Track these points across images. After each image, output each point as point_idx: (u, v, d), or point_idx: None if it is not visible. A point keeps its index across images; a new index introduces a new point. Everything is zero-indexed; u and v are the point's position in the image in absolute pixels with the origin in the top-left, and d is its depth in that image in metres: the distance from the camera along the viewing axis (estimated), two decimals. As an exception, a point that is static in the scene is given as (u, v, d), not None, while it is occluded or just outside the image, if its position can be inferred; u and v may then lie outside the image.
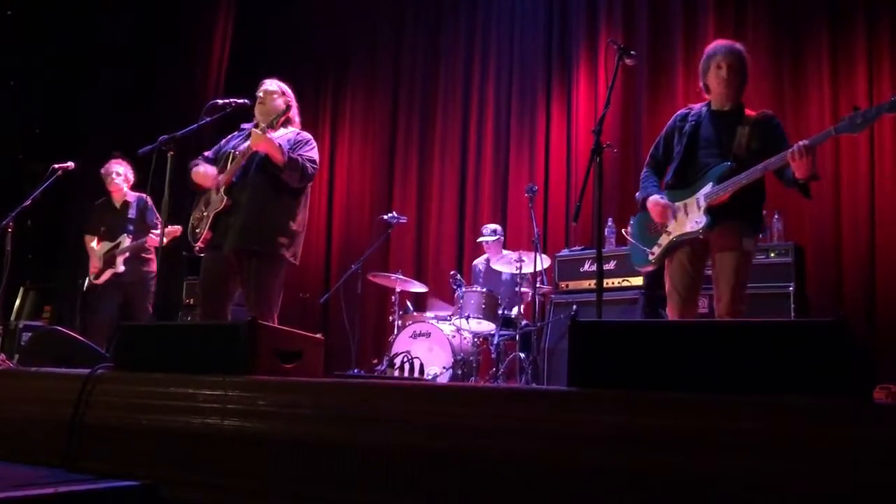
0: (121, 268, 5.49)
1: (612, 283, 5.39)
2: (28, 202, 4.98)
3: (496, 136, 7.44)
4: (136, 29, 7.94)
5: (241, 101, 3.96)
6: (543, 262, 5.70)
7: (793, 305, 4.80)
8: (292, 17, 8.65)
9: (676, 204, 3.44)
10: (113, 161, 5.72)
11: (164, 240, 5.30)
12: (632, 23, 6.72)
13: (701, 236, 3.34)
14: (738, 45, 3.48)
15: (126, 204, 5.67)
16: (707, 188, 3.33)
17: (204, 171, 3.92)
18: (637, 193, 3.67)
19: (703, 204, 3.33)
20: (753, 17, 6.21)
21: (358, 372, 6.10)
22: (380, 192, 8.02)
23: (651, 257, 3.55)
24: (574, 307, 5.59)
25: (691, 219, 3.38)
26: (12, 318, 7.43)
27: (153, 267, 5.60)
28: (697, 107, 3.59)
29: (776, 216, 5.34)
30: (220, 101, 3.97)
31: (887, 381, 4.47)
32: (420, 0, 8.14)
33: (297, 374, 2.47)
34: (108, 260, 5.54)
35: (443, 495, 1.79)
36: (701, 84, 3.54)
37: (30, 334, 6.21)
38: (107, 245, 5.60)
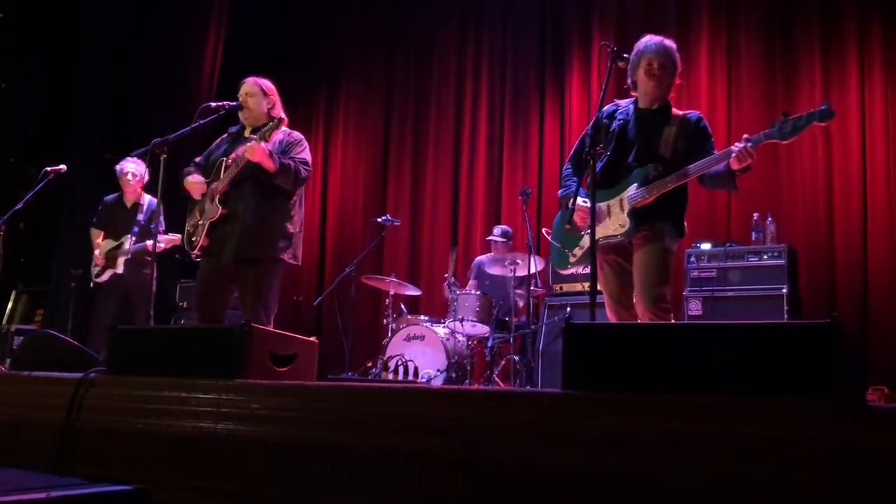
0: (120, 269, 5.48)
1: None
2: (20, 205, 4.95)
3: (490, 139, 7.44)
4: (128, 32, 7.91)
5: (233, 103, 3.96)
6: (538, 264, 5.70)
7: (786, 307, 4.82)
8: (285, 21, 8.64)
9: (600, 205, 3.32)
10: (127, 160, 5.67)
11: (163, 246, 5.31)
12: (625, 26, 6.74)
13: (624, 240, 3.27)
14: (669, 42, 3.39)
15: (137, 206, 5.65)
16: (631, 190, 3.25)
17: (193, 181, 3.90)
18: (559, 191, 3.55)
19: (626, 206, 3.24)
20: (746, 20, 6.23)
21: (352, 375, 6.09)
22: (373, 194, 8.01)
23: (572, 259, 3.45)
24: (568, 309, 5.60)
25: (615, 221, 3.28)
26: (4, 321, 7.40)
27: (154, 271, 5.59)
28: (624, 104, 3.49)
29: (769, 218, 5.36)
30: (213, 104, 3.96)
31: (880, 383, 4.51)
32: (413, 4, 8.13)
33: (291, 377, 2.47)
34: (110, 259, 5.53)
35: (437, 498, 1.78)
36: (629, 81, 3.43)
37: (22, 338, 6.19)
38: (111, 243, 5.60)
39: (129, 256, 5.47)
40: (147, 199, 5.69)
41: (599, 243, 3.31)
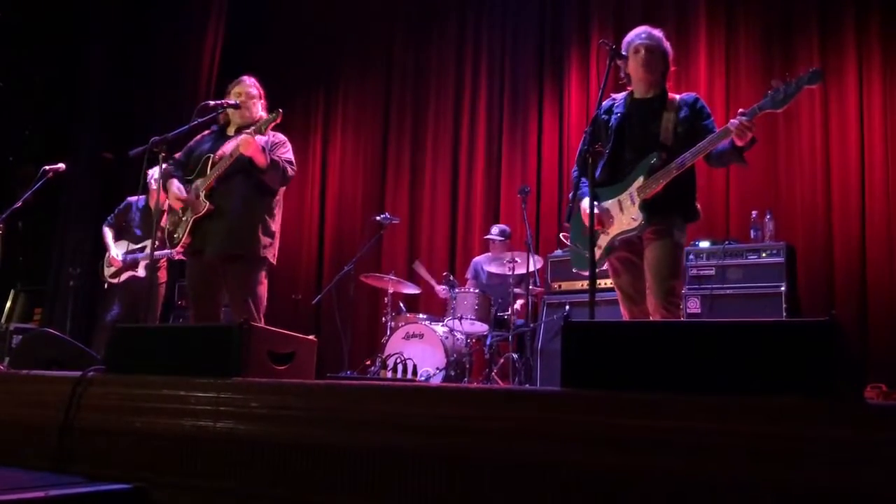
0: (142, 273, 5.48)
1: (605, 283, 5.39)
2: (19, 204, 4.95)
3: (488, 137, 7.43)
4: (126, 30, 7.91)
5: (232, 102, 3.96)
6: (536, 262, 5.70)
7: (784, 305, 4.81)
8: (284, 19, 8.64)
9: (610, 202, 3.33)
10: (157, 168, 5.66)
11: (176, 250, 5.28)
12: (623, 24, 6.72)
13: (638, 234, 3.25)
14: (656, 31, 3.40)
15: (161, 213, 5.63)
16: (639, 182, 3.24)
17: (177, 193, 3.86)
18: (570, 194, 3.56)
19: (636, 199, 3.23)
20: (745, 16, 6.23)
21: (350, 373, 6.09)
22: (372, 192, 8.00)
23: None
24: (567, 308, 5.60)
25: (627, 216, 3.27)
26: (3, 320, 7.40)
27: (164, 274, 5.60)
28: (620, 97, 3.49)
29: (768, 216, 5.35)
30: (212, 103, 3.96)
31: (878, 380, 4.51)
32: (411, 1, 8.13)
33: (290, 375, 2.47)
34: (131, 262, 5.53)
35: (435, 497, 1.78)
36: (622, 74, 3.44)
37: (20, 337, 6.19)
38: (125, 244, 5.58)
39: (150, 261, 5.46)
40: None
41: (616, 240, 3.32)
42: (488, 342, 5.62)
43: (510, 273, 5.59)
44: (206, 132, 4.12)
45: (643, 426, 1.61)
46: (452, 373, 5.51)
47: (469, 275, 6.45)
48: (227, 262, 3.80)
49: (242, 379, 2.23)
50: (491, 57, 7.57)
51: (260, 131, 3.73)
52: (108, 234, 5.69)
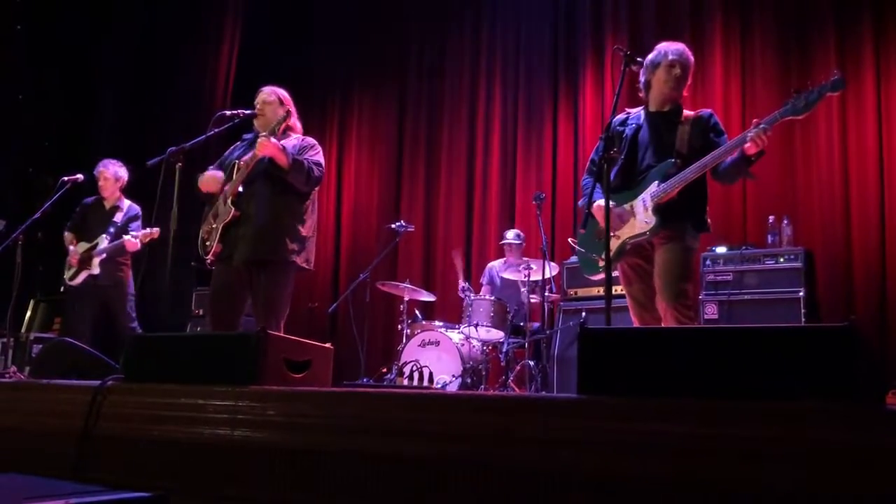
0: (96, 270, 5.42)
1: (621, 289, 5.38)
2: (38, 215, 5.00)
3: (503, 144, 7.44)
4: (143, 42, 7.99)
5: (248, 112, 3.98)
6: (552, 269, 5.69)
7: (803, 310, 4.78)
8: (299, 29, 8.70)
9: (623, 206, 3.35)
10: (106, 162, 5.68)
11: (142, 242, 5.29)
12: (638, 30, 6.72)
13: (650, 237, 3.26)
14: (689, 51, 3.45)
15: (116, 208, 5.63)
16: (653, 187, 3.27)
17: (210, 176, 3.92)
18: (580, 201, 3.57)
19: (650, 203, 3.25)
20: (760, 21, 6.20)
21: (367, 381, 6.09)
22: (387, 200, 8.02)
23: (601, 264, 3.39)
24: (583, 314, 5.58)
25: (640, 219, 3.29)
26: (23, 330, 7.46)
27: (129, 273, 5.57)
28: (635, 111, 3.54)
29: (785, 221, 5.32)
30: (228, 113, 3.98)
31: (900, 386, 4.46)
32: (425, 10, 8.16)
33: (307, 383, 2.48)
34: (85, 260, 5.48)
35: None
36: (641, 79, 3.46)
37: (40, 346, 6.24)
38: (84, 245, 5.55)
39: (105, 257, 5.41)
40: (127, 204, 5.67)
41: (626, 245, 3.33)
42: (504, 349, 5.61)
43: (526, 279, 5.58)
44: (238, 142, 4.14)
45: (660, 432, 1.60)
46: (469, 380, 5.50)
47: (484, 280, 6.45)
48: (255, 267, 3.80)
49: (259, 387, 2.24)
50: (505, 64, 7.58)
51: (273, 133, 3.75)
52: (67, 237, 5.67)
